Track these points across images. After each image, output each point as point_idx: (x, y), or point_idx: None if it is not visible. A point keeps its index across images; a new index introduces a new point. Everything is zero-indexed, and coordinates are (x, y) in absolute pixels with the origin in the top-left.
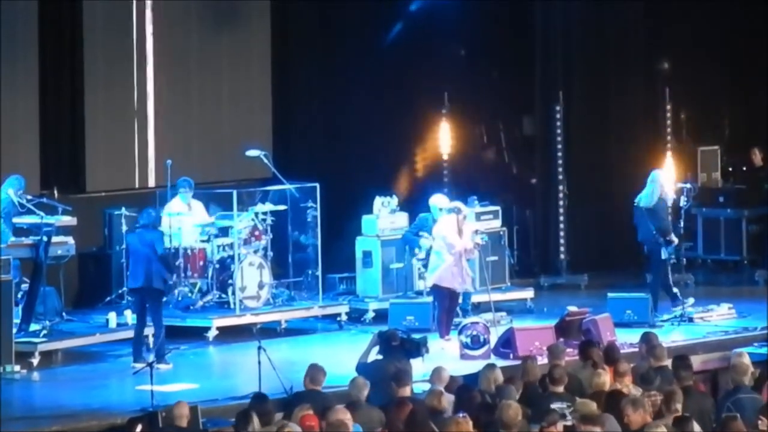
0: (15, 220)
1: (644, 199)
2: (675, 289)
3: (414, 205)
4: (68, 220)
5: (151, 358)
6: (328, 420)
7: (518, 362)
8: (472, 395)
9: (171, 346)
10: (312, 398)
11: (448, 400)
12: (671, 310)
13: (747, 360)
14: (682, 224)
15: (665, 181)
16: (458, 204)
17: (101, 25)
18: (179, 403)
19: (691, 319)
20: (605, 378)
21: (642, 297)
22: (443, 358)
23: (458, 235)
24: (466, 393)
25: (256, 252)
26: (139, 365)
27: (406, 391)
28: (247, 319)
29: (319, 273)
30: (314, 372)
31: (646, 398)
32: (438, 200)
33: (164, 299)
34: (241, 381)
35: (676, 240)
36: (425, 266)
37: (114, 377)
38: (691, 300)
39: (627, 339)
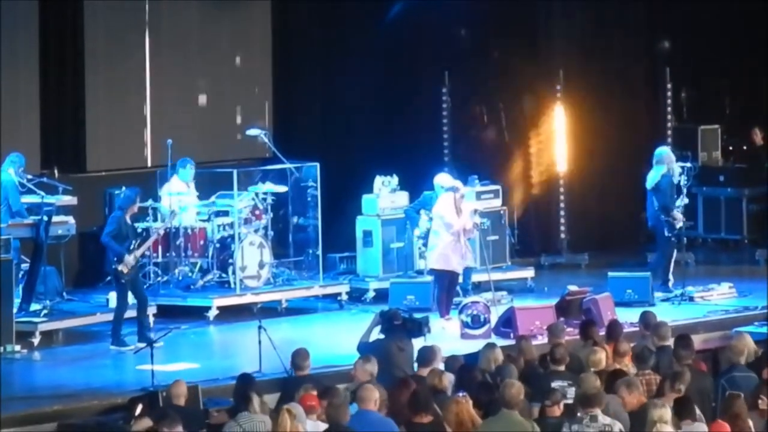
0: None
1: (650, 178)
2: (671, 278)
3: (414, 184)
4: (69, 199)
5: (153, 336)
6: (357, 396)
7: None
8: (472, 375)
9: (172, 326)
10: (299, 383)
11: (449, 379)
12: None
13: (746, 341)
14: (682, 203)
15: (671, 157)
16: (456, 183)
17: (102, 5)
18: (177, 382)
19: (691, 299)
20: (601, 355)
21: (642, 276)
22: (444, 337)
23: (456, 214)
24: (466, 372)
25: (256, 231)
26: (120, 348)
27: (426, 372)
28: (247, 298)
29: (319, 252)
30: (296, 358)
31: (640, 377)
32: (442, 179)
33: (123, 281)
34: (241, 361)
35: (680, 218)
36: (425, 245)
37: (115, 357)
38: (679, 291)
39: (627, 318)
